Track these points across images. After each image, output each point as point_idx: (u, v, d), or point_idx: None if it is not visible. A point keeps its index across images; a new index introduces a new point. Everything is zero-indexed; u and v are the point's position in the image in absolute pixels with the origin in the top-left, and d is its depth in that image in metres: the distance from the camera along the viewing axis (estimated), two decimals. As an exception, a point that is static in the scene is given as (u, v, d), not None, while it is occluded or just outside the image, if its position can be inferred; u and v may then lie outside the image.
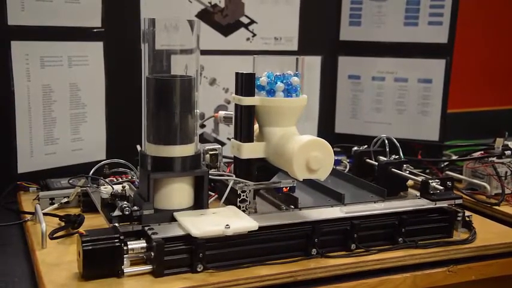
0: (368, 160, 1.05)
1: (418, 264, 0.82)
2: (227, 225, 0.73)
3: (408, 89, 1.39)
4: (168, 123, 0.81)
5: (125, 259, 0.72)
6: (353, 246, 0.82)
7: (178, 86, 0.80)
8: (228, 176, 0.88)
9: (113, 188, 0.84)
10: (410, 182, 0.99)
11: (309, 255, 0.79)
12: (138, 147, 0.85)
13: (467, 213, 0.91)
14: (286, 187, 0.87)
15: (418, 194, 0.94)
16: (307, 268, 0.77)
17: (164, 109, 0.81)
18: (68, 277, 0.71)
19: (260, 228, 0.79)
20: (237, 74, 0.86)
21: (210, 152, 0.96)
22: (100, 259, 0.70)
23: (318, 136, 0.81)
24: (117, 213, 0.78)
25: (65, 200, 0.96)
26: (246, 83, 0.84)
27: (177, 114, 0.81)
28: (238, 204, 0.83)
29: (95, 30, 1.15)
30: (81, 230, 0.73)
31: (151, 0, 1.21)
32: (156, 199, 0.81)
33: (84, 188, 0.94)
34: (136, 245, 0.73)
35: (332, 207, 0.87)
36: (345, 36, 1.42)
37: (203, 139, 1.33)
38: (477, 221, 0.93)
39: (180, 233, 0.75)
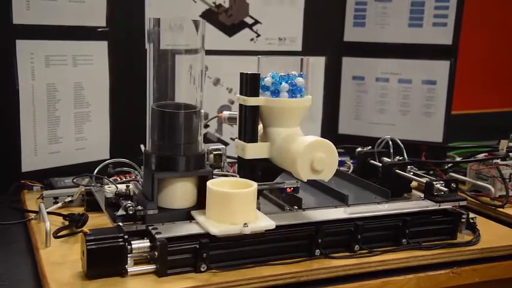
0: (372, 161, 1.05)
1: (421, 265, 0.82)
2: (245, 223, 0.73)
3: (412, 90, 1.38)
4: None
5: (128, 258, 0.72)
6: (356, 247, 0.82)
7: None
8: (232, 176, 0.88)
9: (117, 188, 0.84)
10: (414, 184, 0.99)
11: (312, 256, 0.79)
12: (142, 146, 0.85)
13: (471, 215, 0.91)
14: (290, 188, 0.87)
15: (422, 195, 0.94)
16: (310, 269, 0.77)
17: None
18: (72, 276, 0.72)
19: (264, 228, 0.79)
20: (241, 74, 0.85)
21: (214, 152, 0.96)
22: (104, 258, 0.70)
23: (321, 137, 0.81)
24: (121, 212, 0.78)
25: (69, 199, 0.96)
26: (250, 83, 0.84)
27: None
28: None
29: (100, 29, 1.15)
30: (85, 229, 0.73)
31: (156, 0, 1.22)
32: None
33: (88, 187, 0.94)
34: (140, 244, 0.73)
35: (336, 208, 0.87)
36: (349, 37, 1.42)
37: (207, 139, 1.33)
38: (481, 223, 0.93)
39: (184, 232, 0.75)
